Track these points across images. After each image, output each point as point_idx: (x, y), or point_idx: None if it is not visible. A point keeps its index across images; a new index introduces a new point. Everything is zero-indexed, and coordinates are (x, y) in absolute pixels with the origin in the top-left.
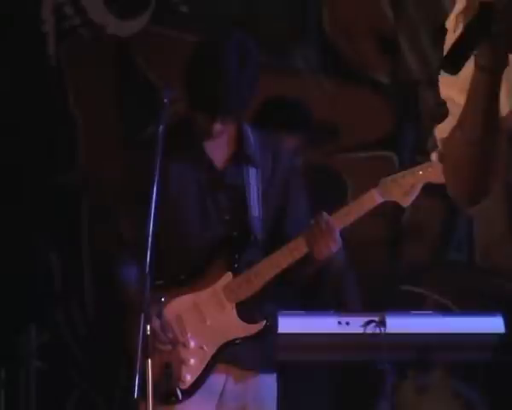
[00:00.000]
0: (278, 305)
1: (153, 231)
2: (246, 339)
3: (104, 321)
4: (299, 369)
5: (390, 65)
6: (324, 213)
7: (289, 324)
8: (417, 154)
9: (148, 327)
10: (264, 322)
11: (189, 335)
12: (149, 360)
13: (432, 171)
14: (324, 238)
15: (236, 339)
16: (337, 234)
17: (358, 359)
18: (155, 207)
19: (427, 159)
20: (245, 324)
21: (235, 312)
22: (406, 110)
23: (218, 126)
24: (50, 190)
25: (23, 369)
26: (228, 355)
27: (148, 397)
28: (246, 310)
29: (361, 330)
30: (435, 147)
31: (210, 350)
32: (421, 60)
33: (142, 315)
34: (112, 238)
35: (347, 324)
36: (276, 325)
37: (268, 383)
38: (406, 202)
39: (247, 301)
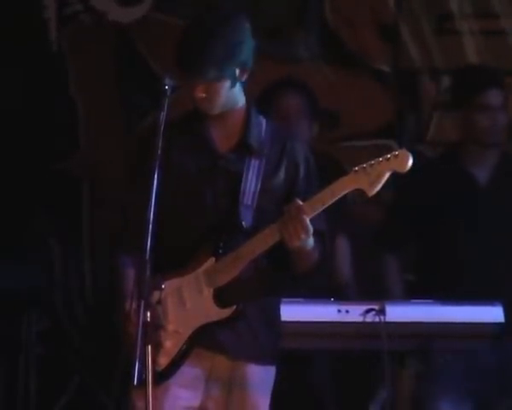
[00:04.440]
0: (278, 296)
1: (153, 218)
2: (217, 324)
3: (103, 307)
4: (298, 357)
5: (391, 53)
6: (297, 200)
7: (289, 312)
8: (417, 142)
9: (148, 314)
10: (235, 307)
11: (168, 318)
12: (149, 347)
13: (397, 160)
14: (293, 224)
15: (209, 323)
16: (307, 221)
17: (358, 347)
18: (156, 194)
19: (428, 147)
20: (218, 309)
21: (211, 296)
22: (407, 99)
23: (198, 93)
24: (51, 176)
25: (23, 355)
26: (214, 344)
27: (148, 383)
28: (222, 295)
29: (361, 319)
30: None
31: (184, 334)
32: (423, 48)
33: (143, 302)
34: (116, 224)
35: (347, 312)
36: (277, 316)
37: (258, 374)
38: (372, 190)
39: (224, 287)
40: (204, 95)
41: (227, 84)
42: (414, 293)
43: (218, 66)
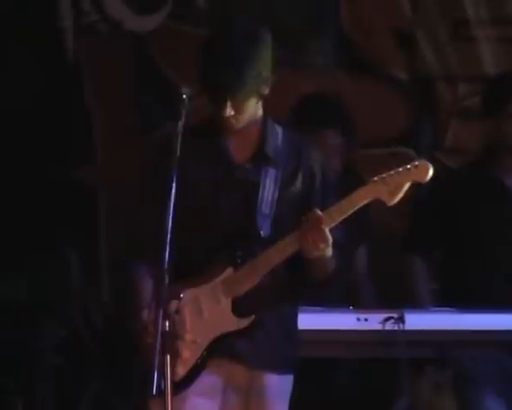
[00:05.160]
0: (294, 304)
1: (171, 228)
2: (235, 333)
3: (121, 316)
4: (317, 366)
5: (407, 60)
6: (315, 210)
7: (307, 320)
8: (435, 149)
9: (167, 323)
10: (253, 317)
11: (186, 328)
12: (168, 357)
13: (417, 170)
14: (312, 235)
15: (227, 333)
16: (326, 232)
17: (376, 355)
18: (174, 205)
19: (445, 155)
20: (236, 318)
21: (229, 306)
22: (423, 106)
23: (228, 111)
24: (67, 186)
25: (40, 365)
26: (232, 353)
27: (167, 393)
28: (240, 305)
29: (379, 327)
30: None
31: (202, 344)
32: (439, 55)
33: (161, 311)
34: (132, 235)
35: (366, 320)
36: (295, 324)
37: (276, 383)
38: (391, 200)
39: (242, 296)
40: (233, 112)
41: (254, 100)
42: (438, 301)
43: (249, 85)
